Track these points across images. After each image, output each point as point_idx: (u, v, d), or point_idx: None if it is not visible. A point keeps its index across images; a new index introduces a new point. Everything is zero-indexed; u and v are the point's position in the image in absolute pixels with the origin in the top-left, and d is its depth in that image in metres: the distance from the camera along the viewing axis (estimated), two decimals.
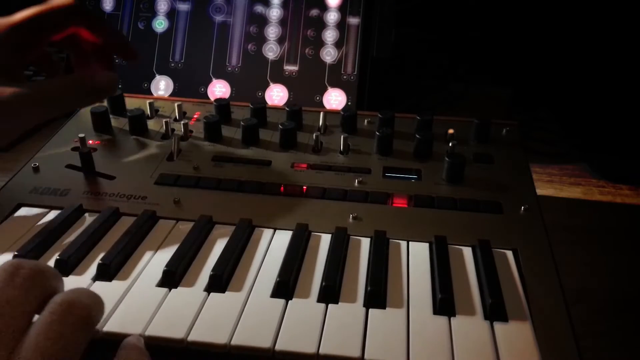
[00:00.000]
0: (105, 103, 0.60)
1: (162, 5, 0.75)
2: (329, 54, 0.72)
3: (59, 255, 0.41)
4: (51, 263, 0.41)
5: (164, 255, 0.42)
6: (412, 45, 0.86)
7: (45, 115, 0.45)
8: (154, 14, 0.75)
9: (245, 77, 0.73)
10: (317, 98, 0.72)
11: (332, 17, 0.72)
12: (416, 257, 0.44)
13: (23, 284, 0.30)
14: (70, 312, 0.30)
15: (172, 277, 0.40)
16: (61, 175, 0.52)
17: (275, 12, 0.73)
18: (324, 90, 0.72)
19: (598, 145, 0.74)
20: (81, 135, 0.53)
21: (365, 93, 0.71)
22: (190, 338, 0.35)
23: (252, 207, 0.48)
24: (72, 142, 0.56)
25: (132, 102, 0.61)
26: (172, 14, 0.74)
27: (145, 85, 0.74)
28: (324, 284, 0.40)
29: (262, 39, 0.73)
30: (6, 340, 0.28)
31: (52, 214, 0.47)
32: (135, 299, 0.39)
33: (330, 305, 0.38)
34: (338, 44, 0.72)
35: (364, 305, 0.39)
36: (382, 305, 0.39)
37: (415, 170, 0.53)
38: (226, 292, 0.39)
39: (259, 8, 0.73)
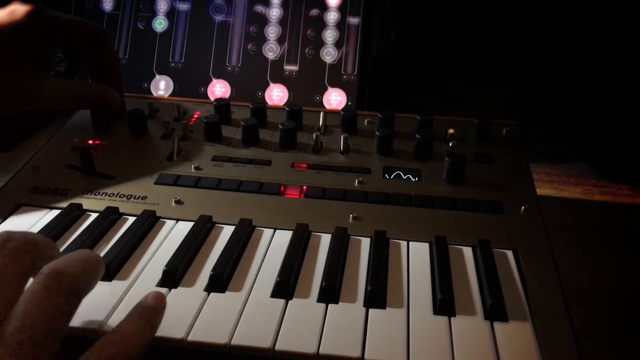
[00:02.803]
0: None
1: (162, 5, 0.75)
2: (329, 54, 0.72)
3: None
4: None
5: (164, 255, 0.42)
6: (412, 45, 0.85)
7: (55, 106, 0.54)
8: (153, 13, 0.75)
9: (245, 77, 0.73)
10: (317, 98, 0.72)
11: (332, 17, 0.72)
12: (416, 257, 0.44)
13: (12, 254, 0.31)
14: (57, 280, 0.31)
15: (172, 277, 0.40)
16: (61, 175, 0.52)
17: (275, 12, 0.73)
18: (324, 90, 0.72)
19: (598, 145, 0.74)
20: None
21: (365, 93, 0.71)
22: (190, 338, 0.35)
23: (252, 207, 0.48)
24: (72, 142, 0.56)
25: (132, 102, 0.61)
26: (172, 14, 0.74)
27: (145, 85, 0.74)
28: (324, 284, 0.40)
29: (262, 39, 0.73)
30: None
31: (52, 214, 0.47)
32: (135, 299, 0.38)
33: (330, 305, 0.38)
34: (338, 44, 0.72)
35: (364, 305, 0.39)
36: (382, 305, 0.39)
37: (415, 170, 0.53)
38: (226, 292, 0.39)
39: (259, 8, 0.73)
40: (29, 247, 0.32)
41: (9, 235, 0.32)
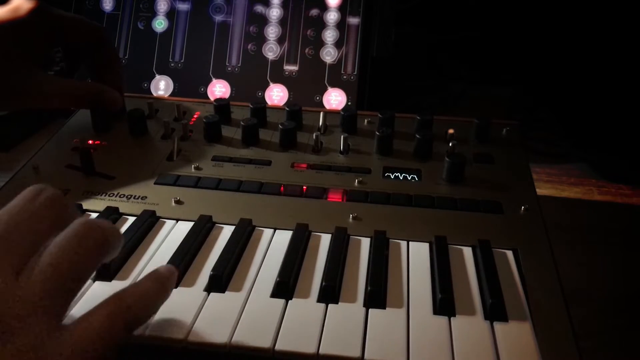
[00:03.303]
0: None
1: (162, 5, 0.75)
2: (329, 54, 0.72)
3: None
4: None
5: (164, 255, 0.42)
6: (412, 45, 0.86)
7: (54, 105, 0.55)
8: (154, 14, 0.75)
9: (245, 77, 0.73)
10: (317, 98, 0.72)
11: (332, 17, 0.72)
12: (416, 257, 0.44)
13: (43, 204, 0.32)
14: (89, 233, 0.32)
15: None
16: (61, 175, 0.52)
17: (275, 12, 0.73)
18: (324, 90, 0.72)
19: (598, 146, 0.74)
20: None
21: (365, 93, 0.71)
22: (190, 338, 0.35)
23: (252, 207, 0.48)
24: (72, 142, 0.56)
25: (132, 102, 0.61)
26: (172, 14, 0.74)
27: (145, 85, 0.74)
28: (324, 284, 0.40)
29: (262, 39, 0.73)
30: (20, 251, 0.30)
31: None
32: None
33: (330, 305, 0.38)
34: (338, 44, 0.72)
35: (364, 305, 0.39)
36: (382, 305, 0.39)
37: (415, 170, 0.53)
38: (226, 292, 0.39)
39: (259, 8, 0.73)
40: (57, 203, 0.33)
41: (42, 188, 0.33)
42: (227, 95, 0.73)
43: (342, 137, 0.56)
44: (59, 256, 0.30)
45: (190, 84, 0.74)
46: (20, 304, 0.28)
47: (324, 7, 0.72)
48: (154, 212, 0.47)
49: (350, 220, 0.47)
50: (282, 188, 0.51)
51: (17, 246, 0.30)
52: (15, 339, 0.27)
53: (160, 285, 0.35)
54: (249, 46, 0.73)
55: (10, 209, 0.31)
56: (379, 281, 0.40)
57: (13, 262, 0.29)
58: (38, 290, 0.29)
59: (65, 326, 0.30)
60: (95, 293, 0.39)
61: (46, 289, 0.29)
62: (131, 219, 0.47)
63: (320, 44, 0.72)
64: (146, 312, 0.34)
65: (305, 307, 0.38)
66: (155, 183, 0.51)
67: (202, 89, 0.73)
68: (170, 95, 0.74)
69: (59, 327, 0.29)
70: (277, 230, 0.46)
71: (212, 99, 0.70)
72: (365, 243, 0.45)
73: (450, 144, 0.54)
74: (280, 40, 0.73)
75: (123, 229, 0.45)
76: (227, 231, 0.46)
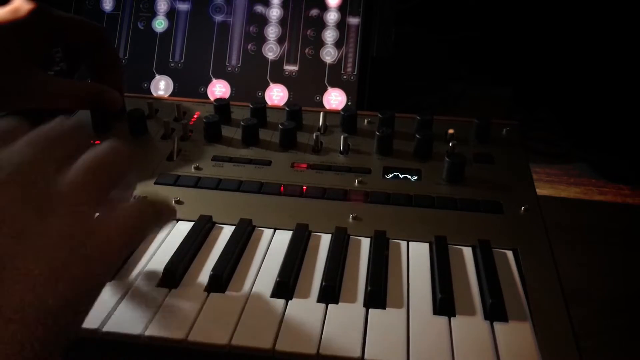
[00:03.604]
0: None
1: (162, 5, 0.75)
2: (329, 54, 0.72)
3: None
4: None
5: (164, 256, 0.42)
6: (412, 45, 0.85)
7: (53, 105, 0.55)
8: (153, 14, 0.75)
9: (245, 77, 0.73)
10: (317, 98, 0.72)
11: (332, 17, 0.72)
12: (416, 257, 0.44)
13: (69, 128, 0.34)
14: (116, 147, 0.35)
15: (172, 277, 0.40)
16: None
17: (275, 12, 0.73)
18: (324, 90, 0.72)
19: (598, 145, 0.74)
20: None
21: (365, 93, 0.71)
22: (191, 338, 0.35)
23: (252, 207, 0.48)
24: None
25: (132, 102, 0.61)
26: (172, 14, 0.74)
27: (145, 85, 0.74)
28: (324, 284, 0.40)
29: (262, 39, 0.73)
30: (58, 155, 0.32)
31: None
32: (136, 299, 0.39)
33: (330, 305, 0.38)
34: (338, 44, 0.72)
35: (364, 305, 0.39)
36: (382, 305, 0.39)
37: (415, 170, 0.53)
38: (226, 292, 0.39)
39: (259, 8, 0.73)
40: (85, 126, 0.36)
41: (66, 118, 0.35)
42: (227, 95, 0.73)
43: (342, 137, 0.56)
44: (92, 160, 0.33)
45: (190, 84, 0.74)
46: (60, 192, 0.31)
47: (324, 7, 0.72)
48: None
49: (350, 220, 0.47)
50: (282, 188, 0.51)
51: (56, 150, 0.32)
52: (55, 217, 0.29)
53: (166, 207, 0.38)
54: (249, 46, 0.73)
55: (41, 128, 0.34)
56: (379, 281, 0.40)
57: (55, 159, 0.32)
58: (75, 184, 0.31)
59: (95, 217, 0.32)
60: None
61: (82, 183, 0.32)
62: None
63: (320, 44, 0.72)
64: (159, 219, 0.37)
65: (305, 307, 0.38)
66: (155, 183, 0.51)
67: (202, 89, 0.73)
68: (170, 95, 0.74)
69: (91, 216, 0.32)
70: (277, 230, 0.46)
71: (212, 99, 0.70)
72: (365, 243, 0.45)
73: (450, 144, 0.54)
74: (280, 40, 0.73)
75: None
76: (227, 231, 0.46)
